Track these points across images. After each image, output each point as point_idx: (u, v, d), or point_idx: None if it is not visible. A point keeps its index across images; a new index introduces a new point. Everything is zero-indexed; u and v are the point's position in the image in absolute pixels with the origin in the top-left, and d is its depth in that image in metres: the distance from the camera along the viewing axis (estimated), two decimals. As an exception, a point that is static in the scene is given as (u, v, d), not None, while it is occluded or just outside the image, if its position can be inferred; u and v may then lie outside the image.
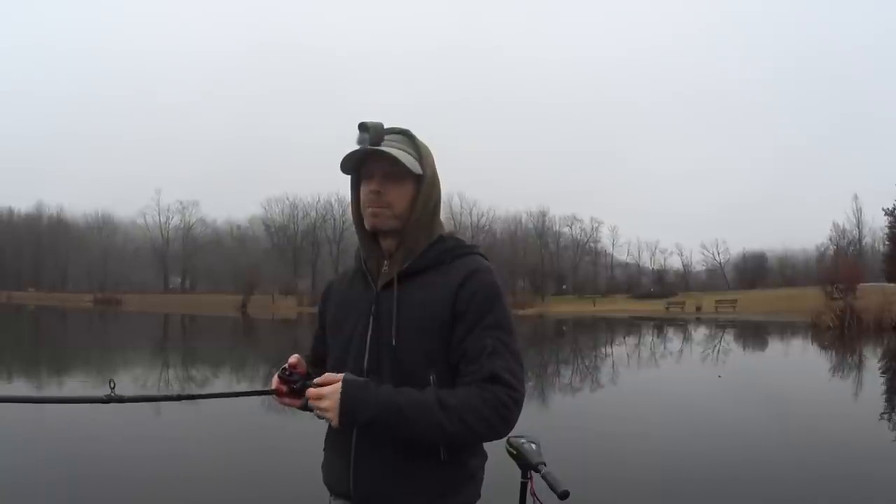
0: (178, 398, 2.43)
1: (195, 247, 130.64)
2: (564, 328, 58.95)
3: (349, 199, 2.66)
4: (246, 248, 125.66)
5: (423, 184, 2.52)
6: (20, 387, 17.83)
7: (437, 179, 2.59)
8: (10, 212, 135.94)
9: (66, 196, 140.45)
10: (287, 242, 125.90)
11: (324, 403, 2.26)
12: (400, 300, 2.46)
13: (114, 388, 2.22)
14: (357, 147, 2.46)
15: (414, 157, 2.50)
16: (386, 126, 2.51)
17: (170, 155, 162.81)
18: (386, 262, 2.55)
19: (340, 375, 2.30)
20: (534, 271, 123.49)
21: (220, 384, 19.09)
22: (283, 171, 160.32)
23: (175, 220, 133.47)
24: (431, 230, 2.55)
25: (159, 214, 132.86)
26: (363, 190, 2.52)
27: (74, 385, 17.55)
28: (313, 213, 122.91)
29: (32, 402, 2.15)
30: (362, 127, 2.45)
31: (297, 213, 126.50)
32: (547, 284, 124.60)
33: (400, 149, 2.47)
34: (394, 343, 2.41)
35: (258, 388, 2.65)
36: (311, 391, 2.32)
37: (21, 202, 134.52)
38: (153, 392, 2.67)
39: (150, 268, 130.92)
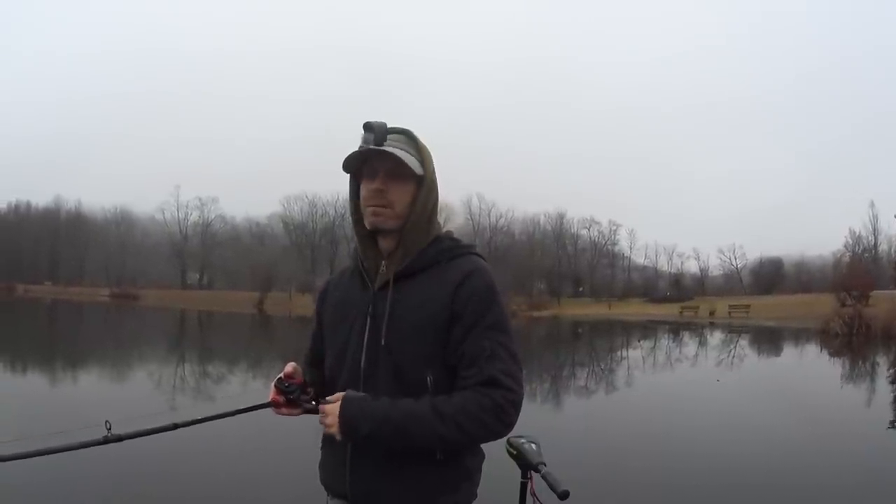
0: (175, 427, 2.45)
1: (214, 243, 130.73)
2: (580, 330, 58.98)
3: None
4: (264, 246, 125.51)
5: (424, 184, 2.51)
6: (32, 384, 17.99)
7: (436, 180, 2.58)
8: (28, 206, 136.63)
9: (85, 191, 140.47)
10: (306, 240, 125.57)
11: (328, 420, 2.33)
12: (396, 301, 2.46)
13: (110, 428, 2.25)
14: (361, 146, 2.46)
15: (415, 157, 2.50)
16: (388, 126, 2.51)
17: (189, 151, 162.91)
18: (384, 262, 2.54)
19: (342, 394, 2.35)
20: (551, 273, 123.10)
21: (235, 382, 19.13)
22: (302, 169, 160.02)
23: (194, 217, 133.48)
24: (429, 231, 2.55)
25: (178, 210, 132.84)
26: (364, 188, 2.52)
27: (86, 381, 17.68)
28: (332, 212, 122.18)
29: (21, 458, 2.16)
30: (367, 127, 2.45)
31: (315, 212, 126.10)
32: (564, 286, 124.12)
33: (402, 149, 2.47)
34: (383, 343, 2.42)
35: (265, 396, 2.64)
36: (322, 407, 2.38)
37: (39, 196, 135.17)
38: (151, 410, 2.62)
39: (168, 264, 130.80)
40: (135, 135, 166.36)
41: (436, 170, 2.59)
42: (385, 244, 2.55)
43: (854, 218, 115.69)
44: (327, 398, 2.39)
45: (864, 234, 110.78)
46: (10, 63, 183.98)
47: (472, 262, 2.52)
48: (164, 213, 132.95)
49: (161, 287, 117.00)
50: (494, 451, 2.59)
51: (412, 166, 2.46)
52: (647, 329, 60.58)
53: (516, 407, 2.35)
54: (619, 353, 36.73)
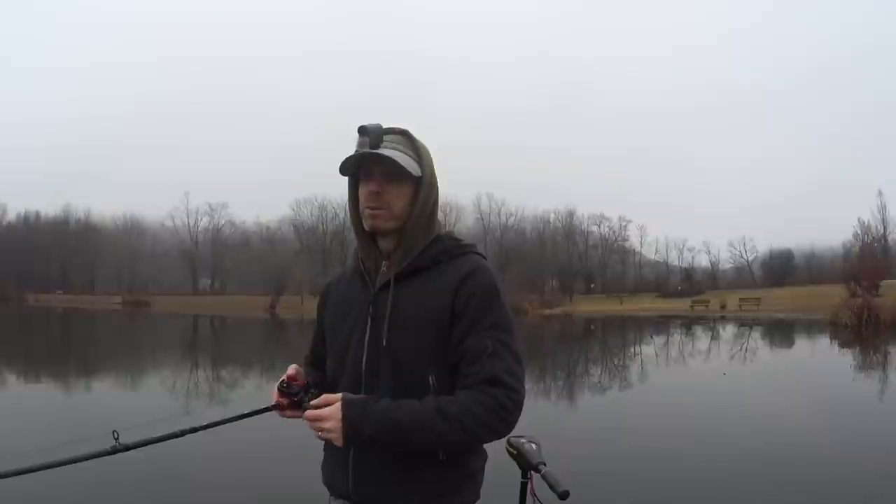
0: (182, 434, 2.43)
1: (224, 248, 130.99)
2: (592, 327, 59.02)
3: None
4: (275, 250, 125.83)
5: (422, 184, 2.51)
6: (45, 389, 18.07)
7: (435, 179, 2.57)
8: (38, 215, 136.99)
9: (94, 200, 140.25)
10: (316, 243, 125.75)
11: (327, 424, 2.26)
12: (398, 301, 2.45)
13: (118, 437, 2.26)
14: (356, 150, 2.47)
15: (412, 158, 2.50)
16: (385, 126, 2.52)
17: (198, 158, 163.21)
18: (384, 262, 2.54)
19: (339, 395, 2.31)
20: (562, 270, 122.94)
21: (249, 385, 19.17)
22: (311, 172, 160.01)
23: (204, 223, 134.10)
24: (430, 230, 2.54)
25: (188, 217, 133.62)
26: (362, 191, 2.51)
27: (106, 389, 17.76)
28: (342, 214, 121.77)
29: (27, 472, 2.18)
30: (362, 130, 2.45)
31: (325, 214, 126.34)
32: (576, 283, 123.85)
33: (399, 150, 2.47)
34: (384, 343, 2.42)
35: (264, 404, 2.65)
36: (309, 413, 2.33)
37: (49, 206, 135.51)
38: (157, 419, 2.59)
39: (179, 270, 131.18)
40: (143, 143, 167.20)
41: (436, 169, 2.58)
42: (385, 244, 2.55)
43: (863, 208, 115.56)
44: (313, 402, 2.35)
45: (873, 223, 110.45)
46: (17, 73, 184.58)
47: (473, 261, 2.51)
48: (174, 220, 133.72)
49: (173, 293, 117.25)
50: (494, 451, 2.59)
51: (408, 168, 2.46)
52: (659, 324, 60.46)
53: (519, 406, 2.34)
54: (631, 349, 36.63)
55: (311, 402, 2.35)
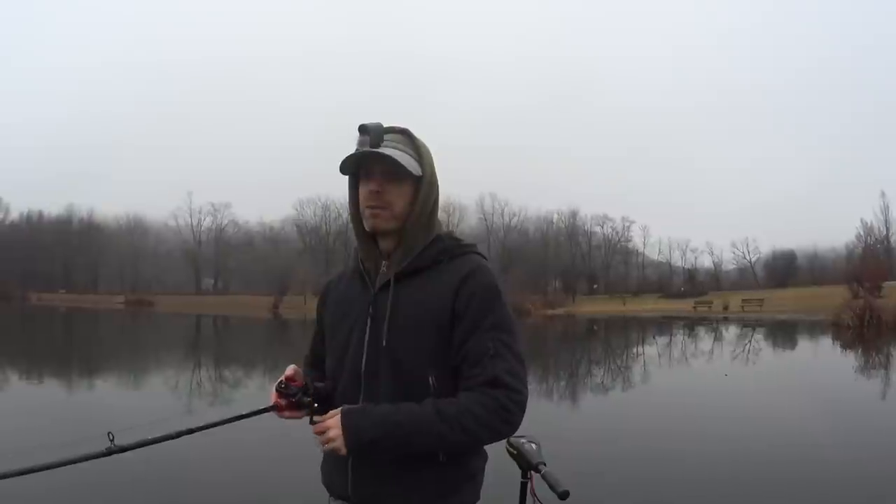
0: (178, 435, 2.41)
1: (228, 248, 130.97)
2: (595, 328, 59.04)
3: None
4: (278, 250, 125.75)
5: (423, 184, 2.49)
6: (47, 388, 18.10)
7: (436, 179, 2.55)
8: (41, 215, 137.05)
9: (95, 199, 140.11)
10: (319, 243, 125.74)
11: (331, 433, 2.28)
12: (398, 301, 2.44)
13: (113, 439, 2.25)
14: (357, 149, 2.45)
15: (413, 157, 2.48)
16: (386, 125, 2.50)
17: (201, 158, 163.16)
18: (384, 262, 2.53)
19: (338, 409, 2.33)
20: (565, 271, 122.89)
21: (253, 385, 19.14)
22: (314, 172, 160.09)
23: (207, 223, 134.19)
24: (430, 230, 2.52)
25: (191, 216, 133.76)
26: (362, 190, 2.49)
27: (112, 389, 17.76)
28: (345, 214, 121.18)
29: (20, 474, 2.17)
30: (362, 129, 2.44)
31: (329, 215, 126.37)
32: (578, 284, 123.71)
33: (399, 149, 2.45)
34: (384, 344, 2.40)
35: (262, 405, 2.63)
36: (315, 428, 2.36)
37: (52, 206, 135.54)
38: (156, 420, 2.58)
39: (182, 270, 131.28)
40: (144, 143, 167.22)
41: (437, 169, 2.57)
42: (385, 244, 2.53)
43: (866, 208, 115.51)
44: (316, 419, 2.38)
45: (875, 224, 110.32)
46: (17, 73, 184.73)
47: (473, 261, 2.49)
48: (177, 220, 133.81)
49: (176, 293, 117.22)
50: (495, 452, 2.57)
51: (409, 167, 2.44)
52: (662, 325, 60.44)
53: (521, 407, 2.33)
54: (633, 349, 36.65)
55: (315, 421, 2.38)
